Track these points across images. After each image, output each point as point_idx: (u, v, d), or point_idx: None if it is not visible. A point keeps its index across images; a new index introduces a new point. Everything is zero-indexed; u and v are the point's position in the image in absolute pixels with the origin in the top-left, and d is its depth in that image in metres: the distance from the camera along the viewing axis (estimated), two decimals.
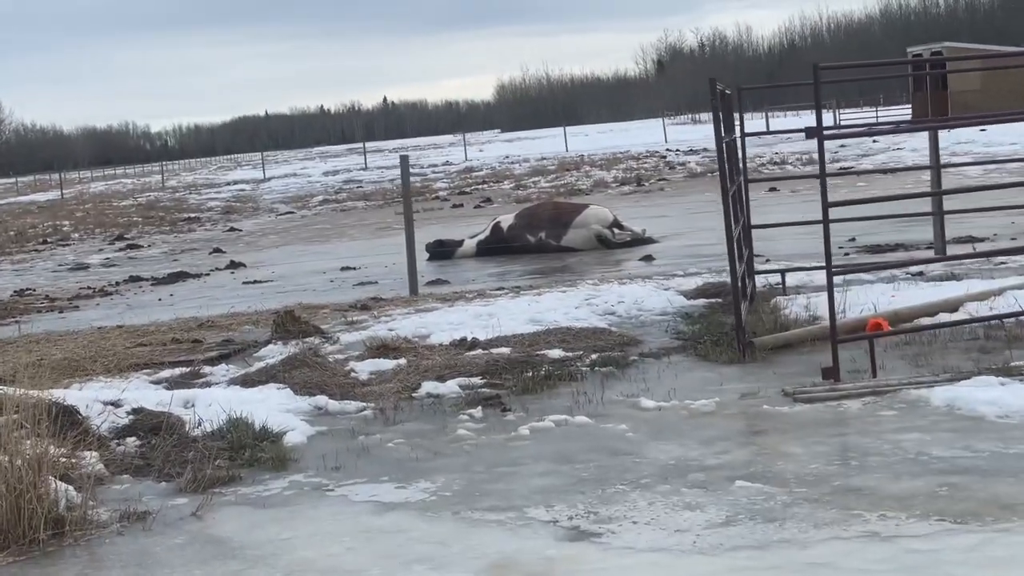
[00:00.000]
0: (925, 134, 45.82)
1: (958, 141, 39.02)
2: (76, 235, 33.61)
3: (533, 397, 7.76)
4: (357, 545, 5.15)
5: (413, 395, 8.12)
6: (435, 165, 63.01)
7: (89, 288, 18.54)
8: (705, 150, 53.31)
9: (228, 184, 61.50)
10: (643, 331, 9.69)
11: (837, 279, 11.60)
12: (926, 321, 8.80)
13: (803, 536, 4.72)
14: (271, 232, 29.18)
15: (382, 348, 9.42)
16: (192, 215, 38.13)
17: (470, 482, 5.96)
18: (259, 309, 13.17)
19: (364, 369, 8.94)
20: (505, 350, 9.11)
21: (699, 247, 16.14)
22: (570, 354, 8.86)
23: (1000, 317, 8.31)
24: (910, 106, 65.52)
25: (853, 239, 15.14)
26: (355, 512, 5.64)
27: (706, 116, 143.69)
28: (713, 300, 10.89)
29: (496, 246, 18.17)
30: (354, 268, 17.81)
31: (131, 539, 5.53)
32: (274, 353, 10.13)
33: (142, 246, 27.62)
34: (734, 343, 8.59)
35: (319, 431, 7.31)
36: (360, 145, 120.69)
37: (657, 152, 54.85)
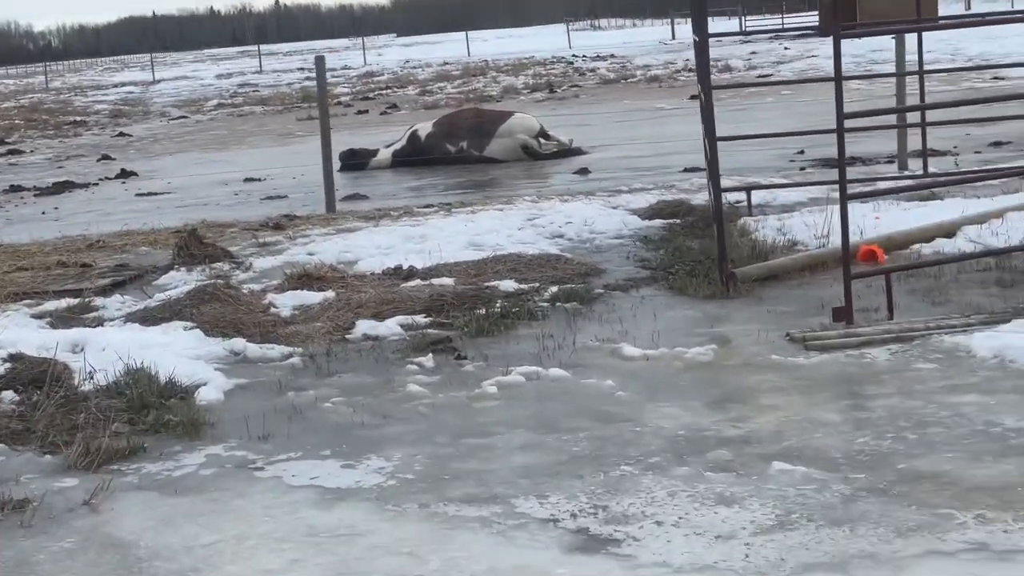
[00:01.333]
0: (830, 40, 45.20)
1: (873, 49, 38.26)
2: None
3: (490, 340, 6.60)
4: (303, 556, 3.98)
5: (347, 337, 6.91)
6: (333, 69, 60.70)
7: None
8: (612, 56, 52.15)
9: (115, 86, 58.75)
10: (601, 258, 8.56)
11: (801, 197, 10.64)
12: (928, 251, 7.80)
13: (889, 549, 3.66)
14: (164, 138, 27.39)
15: (305, 277, 8.16)
16: (78, 118, 35.96)
17: (434, 459, 4.81)
18: (156, 227, 11.77)
19: (285, 303, 7.69)
20: (448, 281, 7.92)
21: (635, 159, 15.01)
22: (524, 286, 7.70)
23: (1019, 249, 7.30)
24: (816, 13, 64.72)
25: (802, 151, 14.12)
26: (294, 503, 4.45)
27: (606, 22, 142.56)
28: (670, 221, 9.80)
29: (414, 157, 16.85)
30: (259, 179, 16.38)
31: (5, 540, 4.29)
32: (177, 281, 8.83)
33: (24, 151, 25.70)
34: (711, 273, 7.51)
35: (238, 384, 6.08)
36: (253, 48, 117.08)
37: (563, 58, 53.47)
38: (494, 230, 9.74)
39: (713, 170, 7.48)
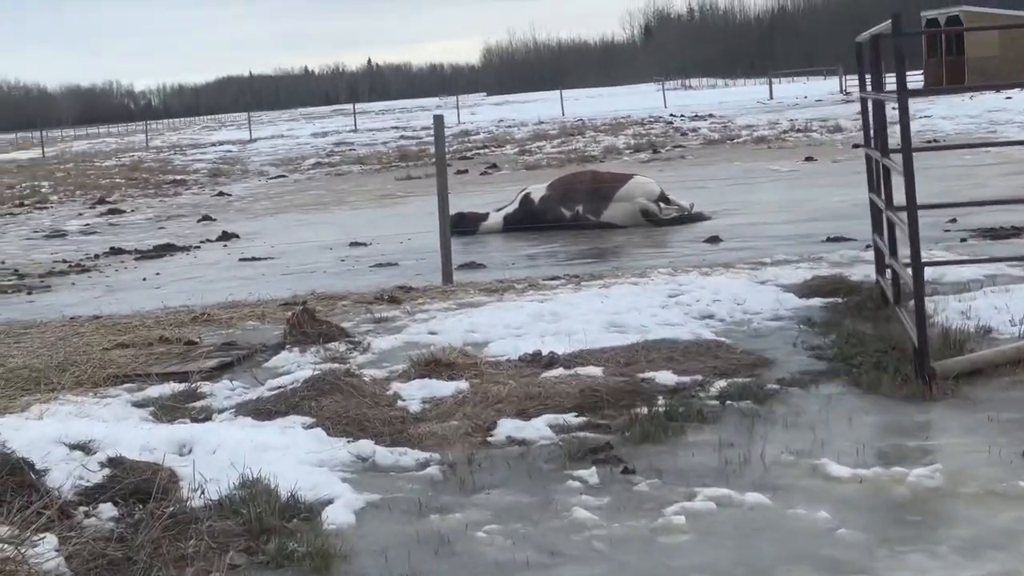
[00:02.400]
0: (946, 100, 43.61)
1: (988, 109, 36.88)
2: (55, 197, 31.34)
3: (658, 448, 5.65)
4: None
5: (489, 439, 6.00)
6: (428, 128, 60.62)
7: (64, 262, 16.38)
8: (711, 116, 51.22)
9: (213, 145, 59.08)
10: (764, 344, 7.57)
11: (975, 274, 9.56)
12: None
13: None
14: (263, 198, 26.95)
15: (433, 364, 7.28)
16: (178, 177, 35.85)
17: None
18: (263, 297, 11.00)
19: (413, 395, 6.81)
20: (595, 371, 6.99)
21: (767, 227, 14.01)
22: (686, 379, 6.75)
23: None
24: (921, 72, 63.28)
25: (954, 220, 13.01)
26: None
27: (696, 82, 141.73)
28: (831, 300, 8.78)
29: (526, 221, 16.00)
30: (364, 244, 15.65)
31: None
32: (290, 364, 8.00)
33: (125, 211, 25.40)
34: (902, 367, 6.51)
35: (370, 501, 5.18)
36: (345, 107, 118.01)
37: (660, 118, 52.63)
38: (634, 308, 8.80)
39: (914, 241, 6.47)
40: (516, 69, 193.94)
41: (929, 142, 26.82)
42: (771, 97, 68.41)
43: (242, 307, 10.43)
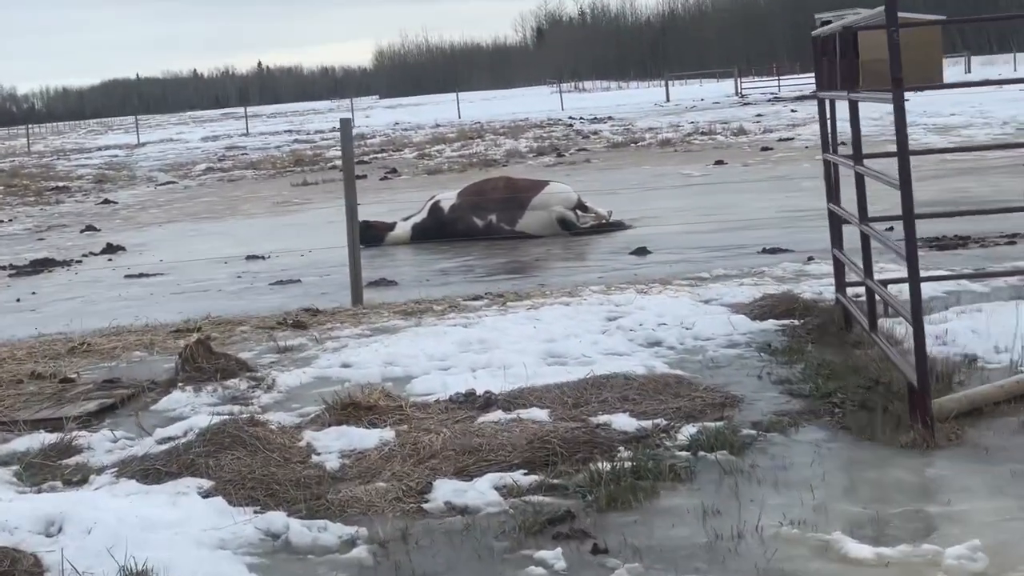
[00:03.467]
0: (840, 104, 43.95)
1: (887, 112, 36.68)
2: None
3: (628, 516, 4.74)
4: None
5: (424, 505, 5.04)
6: (322, 131, 59.39)
7: None
8: (610, 118, 50.65)
9: (99, 149, 57.07)
10: (726, 377, 6.71)
11: (929, 290, 8.82)
12: None
13: None
14: (152, 205, 25.57)
15: (351, 407, 6.29)
16: (60, 184, 34.10)
17: None
18: (151, 322, 9.89)
19: (330, 447, 5.81)
20: (540, 414, 6.06)
21: (695, 236, 13.21)
22: (647, 423, 5.84)
23: None
24: (813, 75, 63.40)
25: (891, 229, 12.32)
26: None
27: (590, 84, 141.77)
28: (786, 322, 7.96)
29: (435, 231, 15.03)
30: (262, 257, 14.53)
31: None
32: (182, 406, 6.95)
33: (2, 220, 23.86)
34: (891, 406, 5.69)
35: None
36: (236, 110, 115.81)
37: (559, 120, 51.94)
38: (572, 334, 7.90)
39: (911, 256, 5.63)
40: (409, 72, 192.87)
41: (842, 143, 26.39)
42: (668, 99, 68.23)
43: (127, 334, 9.31)
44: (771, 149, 26.77)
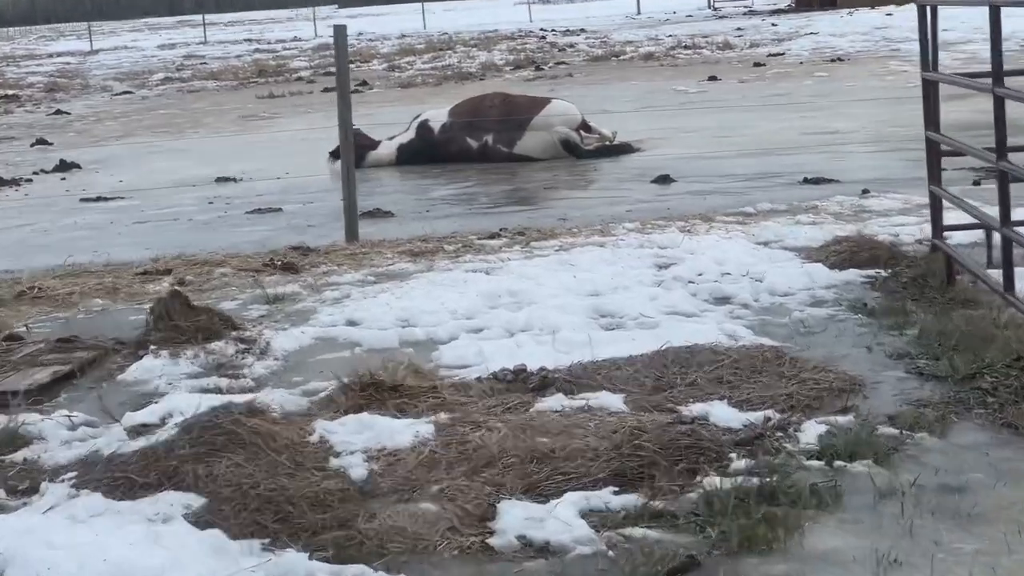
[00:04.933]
0: (827, 18, 42.15)
1: (876, 26, 35.36)
2: None
3: (773, 566, 3.52)
4: None
5: (490, 540, 3.79)
6: (284, 40, 57.35)
7: None
8: (583, 30, 48.91)
9: (51, 56, 54.65)
10: (826, 348, 5.47)
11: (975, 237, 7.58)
12: None
13: None
14: (108, 118, 23.91)
15: (372, 388, 5.01)
16: (9, 92, 32.17)
17: None
18: (113, 259, 8.53)
19: (350, 444, 4.54)
20: (614, 400, 4.81)
21: (717, 162, 11.87)
22: (754, 416, 4.60)
23: None
24: None
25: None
26: None
27: None
28: (871, 272, 6.73)
29: (424, 153, 13.65)
30: (234, 180, 13.10)
31: None
32: (156, 377, 5.66)
33: None
34: None
35: None
36: (192, 18, 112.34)
37: (530, 32, 50.15)
38: (620, 286, 6.63)
39: None
40: None
41: (834, 61, 25.14)
42: (639, 12, 66.32)
43: (86, 275, 7.95)
44: (763, 65, 25.41)
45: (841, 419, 4.53)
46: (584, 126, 13.51)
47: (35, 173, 14.90)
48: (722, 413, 4.61)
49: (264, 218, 10.36)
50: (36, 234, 10.29)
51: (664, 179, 10.80)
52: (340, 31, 8.66)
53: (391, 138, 14.04)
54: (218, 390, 5.38)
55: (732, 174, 10.94)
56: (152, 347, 6.01)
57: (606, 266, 7.12)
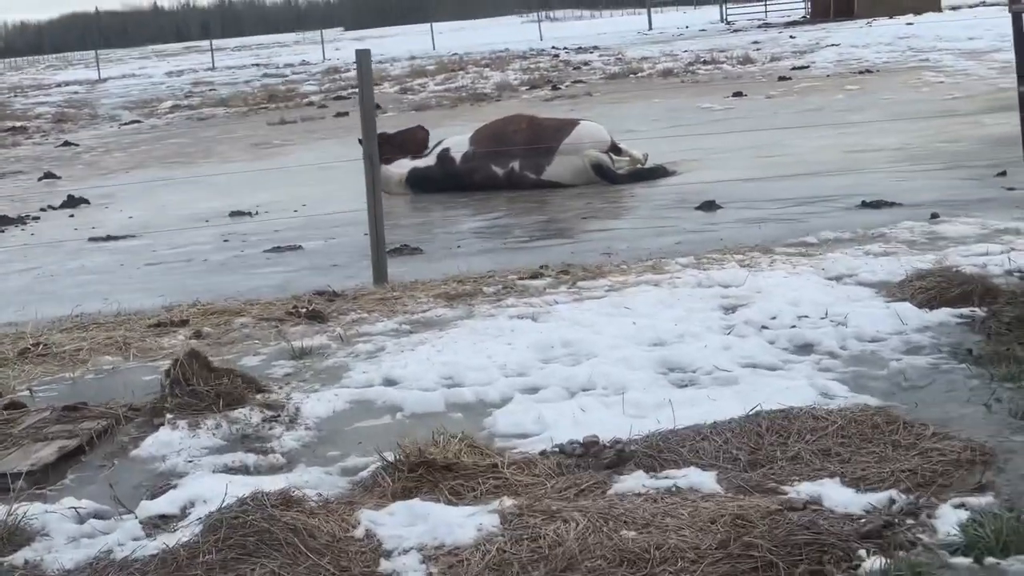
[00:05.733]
0: (847, 29, 41.56)
1: (899, 36, 34.67)
2: None
3: None
4: None
5: None
6: (292, 65, 56.89)
7: None
8: (596, 48, 48.35)
9: (59, 86, 54.26)
10: (938, 407, 4.79)
11: None
12: None
13: None
14: (116, 148, 23.38)
15: (422, 467, 4.35)
16: (17, 124, 31.72)
17: None
18: (124, 308, 7.87)
19: (404, 540, 3.88)
20: (707, 479, 4.14)
21: (758, 184, 11.20)
22: (877, 499, 3.92)
23: None
24: (802, 2, 61.25)
25: (1004, 173, 10.41)
26: None
27: (560, 13, 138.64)
28: (965, 311, 6.05)
29: (445, 183, 13.03)
30: (249, 214, 12.49)
31: None
32: (173, 455, 4.99)
33: None
34: None
35: None
36: (199, 44, 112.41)
37: (543, 51, 49.62)
38: (686, 333, 5.96)
39: None
40: (373, 2, 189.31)
41: (862, 73, 24.46)
42: (651, 27, 65.84)
43: (94, 328, 7.29)
44: (789, 79, 24.78)
45: (980, 500, 3.85)
46: (614, 148, 12.87)
47: (42, 210, 14.35)
48: (837, 495, 3.94)
49: (284, 257, 9.71)
50: (42, 280, 9.65)
51: (709, 205, 10.13)
52: (364, 56, 8.01)
53: (413, 157, 13.40)
54: (245, 469, 4.73)
55: (781, 198, 10.26)
56: (168, 416, 5.35)
57: (666, 309, 6.45)
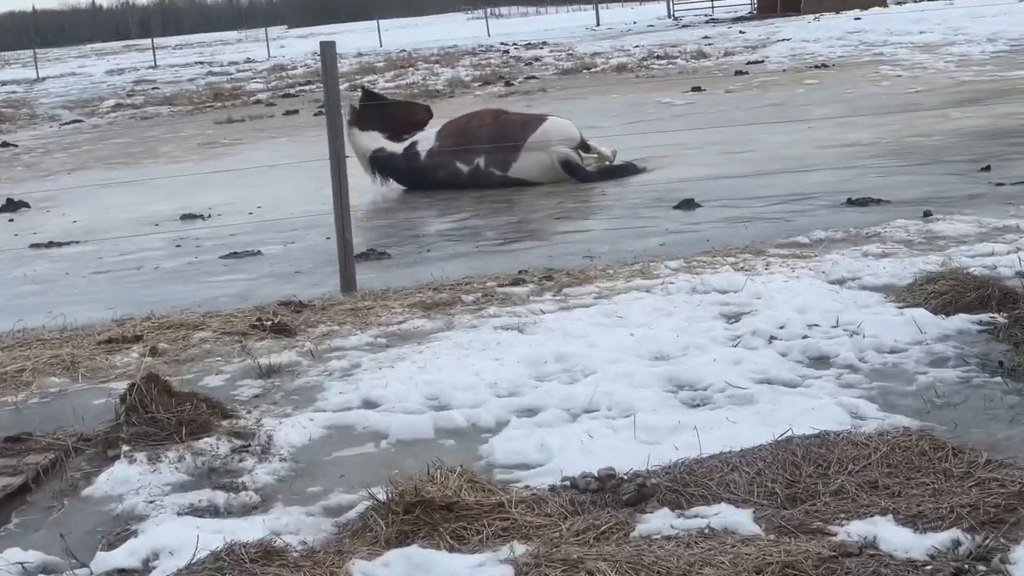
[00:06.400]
0: (794, 24, 41.36)
1: (848, 31, 34.47)
2: None
3: None
4: None
5: None
6: (236, 63, 55.97)
7: None
8: (545, 43, 47.89)
9: None
10: (980, 427, 4.37)
11: None
12: None
13: None
14: (57, 149, 22.59)
15: (419, 507, 3.84)
16: None
17: None
18: (71, 322, 7.27)
19: None
20: (742, 518, 3.67)
21: (734, 182, 10.76)
22: (939, 541, 3.46)
23: None
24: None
25: (988, 168, 10.04)
26: None
27: (506, 10, 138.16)
28: (985, 318, 5.63)
29: (406, 180, 12.53)
30: (201, 216, 11.88)
31: None
32: (131, 490, 4.48)
33: None
34: None
35: None
36: (139, 42, 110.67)
37: (491, 47, 49.13)
38: (692, 345, 5.49)
39: None
40: (317, 0, 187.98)
41: (818, 67, 24.14)
42: (598, 23, 65.51)
43: (38, 345, 6.70)
44: (746, 73, 24.43)
45: None
46: (583, 145, 12.39)
47: None
48: (894, 536, 3.48)
49: (242, 263, 9.14)
50: None
51: (688, 204, 9.67)
52: (328, 48, 7.47)
53: (389, 136, 12.84)
54: (214, 510, 4.20)
55: (760, 196, 9.83)
56: (124, 447, 4.80)
57: (663, 318, 5.98)
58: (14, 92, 45.61)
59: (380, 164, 12.69)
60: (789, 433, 4.16)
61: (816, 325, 5.65)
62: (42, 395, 5.83)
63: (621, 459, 4.18)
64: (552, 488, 4.04)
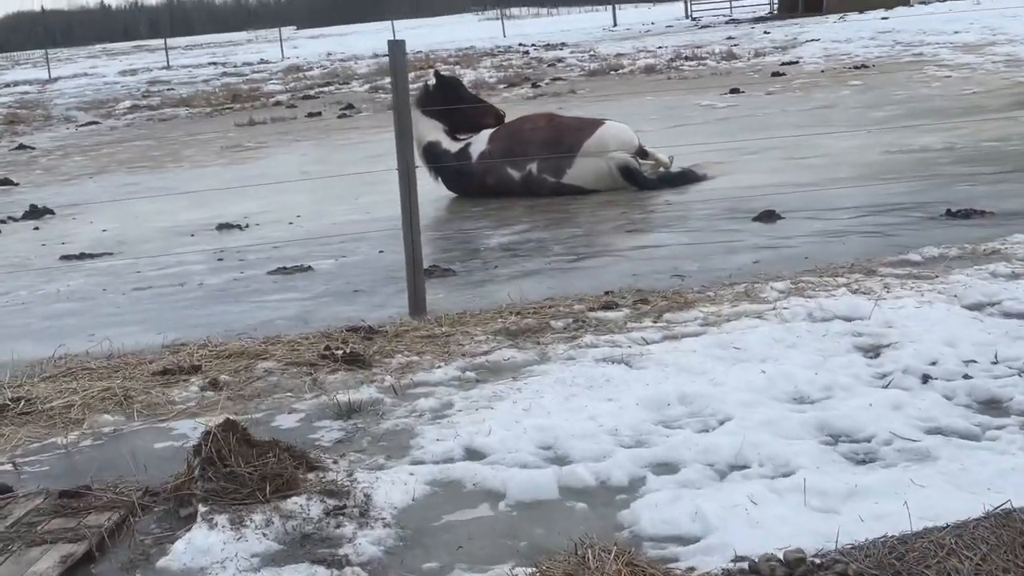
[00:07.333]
0: (820, 23, 40.67)
1: (879, 31, 33.76)
2: None
3: None
4: None
5: None
6: (251, 63, 55.39)
7: None
8: (564, 44, 47.24)
9: (7, 86, 52.43)
10: None
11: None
12: None
13: None
14: (76, 151, 21.99)
15: None
16: None
17: None
18: (118, 347, 6.62)
19: None
20: None
21: (810, 191, 10.06)
22: None
23: None
24: None
25: None
26: None
27: (517, 11, 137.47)
28: None
29: (455, 184, 11.91)
30: (238, 226, 11.24)
31: None
32: (214, 563, 3.80)
33: None
34: None
35: None
36: (149, 43, 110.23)
37: (510, 48, 48.47)
38: (835, 385, 4.84)
39: None
40: (325, 1, 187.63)
41: (858, 68, 23.47)
42: (615, 24, 64.86)
43: (86, 376, 6.06)
44: (783, 75, 23.76)
45: None
46: (641, 151, 11.73)
47: (2, 222, 13.01)
48: None
49: (293, 280, 8.47)
50: (13, 310, 8.36)
51: (769, 216, 8.99)
52: (398, 47, 6.81)
53: (451, 131, 12.18)
54: None
55: (843, 207, 9.16)
56: (201, 507, 4.16)
57: (789, 351, 5.32)
58: (27, 93, 45.05)
59: (431, 159, 12.01)
60: (1007, 505, 3.50)
61: (974, 361, 4.99)
62: (95, 436, 5.19)
63: (798, 535, 3.54)
64: (727, 572, 3.39)
